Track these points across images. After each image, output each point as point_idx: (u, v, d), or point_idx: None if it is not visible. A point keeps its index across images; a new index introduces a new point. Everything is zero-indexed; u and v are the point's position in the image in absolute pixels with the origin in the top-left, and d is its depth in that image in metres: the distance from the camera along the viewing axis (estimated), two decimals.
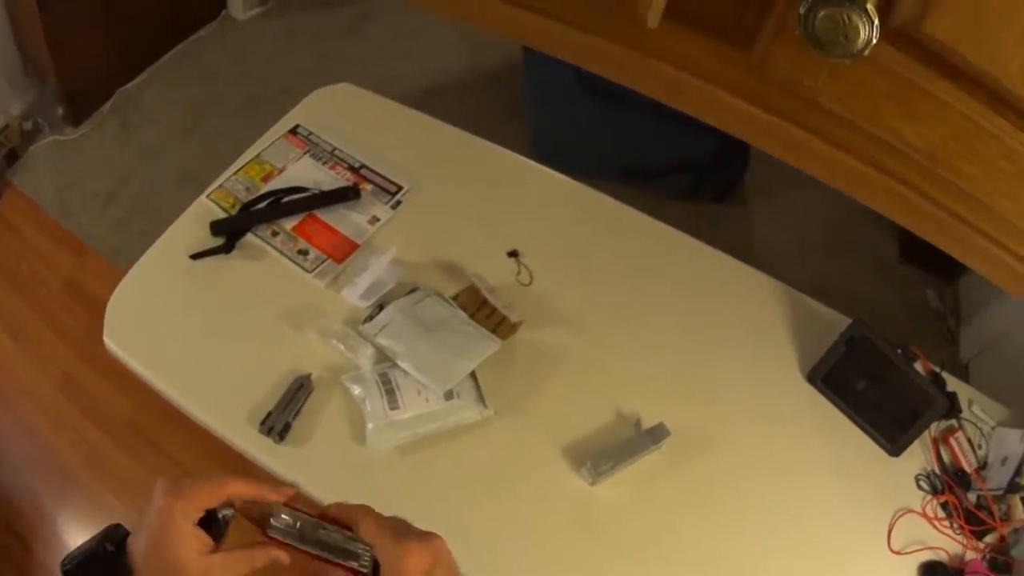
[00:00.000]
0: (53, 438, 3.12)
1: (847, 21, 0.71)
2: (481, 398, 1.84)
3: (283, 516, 1.00)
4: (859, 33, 0.72)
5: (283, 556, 0.99)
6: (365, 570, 0.99)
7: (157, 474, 1.00)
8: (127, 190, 3.79)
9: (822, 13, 0.72)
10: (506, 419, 1.85)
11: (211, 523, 0.98)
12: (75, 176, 3.85)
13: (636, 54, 0.84)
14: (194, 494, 0.95)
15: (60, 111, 3.90)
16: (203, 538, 0.94)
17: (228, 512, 1.00)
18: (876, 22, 0.71)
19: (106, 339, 1.87)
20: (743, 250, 2.85)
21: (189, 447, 3.01)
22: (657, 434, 1.83)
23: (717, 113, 0.88)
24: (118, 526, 0.98)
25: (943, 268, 3.94)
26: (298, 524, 1.01)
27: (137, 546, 0.93)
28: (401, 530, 0.97)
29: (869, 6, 0.71)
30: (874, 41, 0.73)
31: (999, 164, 0.82)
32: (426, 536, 0.97)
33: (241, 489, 0.99)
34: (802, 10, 0.73)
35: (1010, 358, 3.37)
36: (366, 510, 1.02)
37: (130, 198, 3.76)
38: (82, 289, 3.50)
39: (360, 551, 1.00)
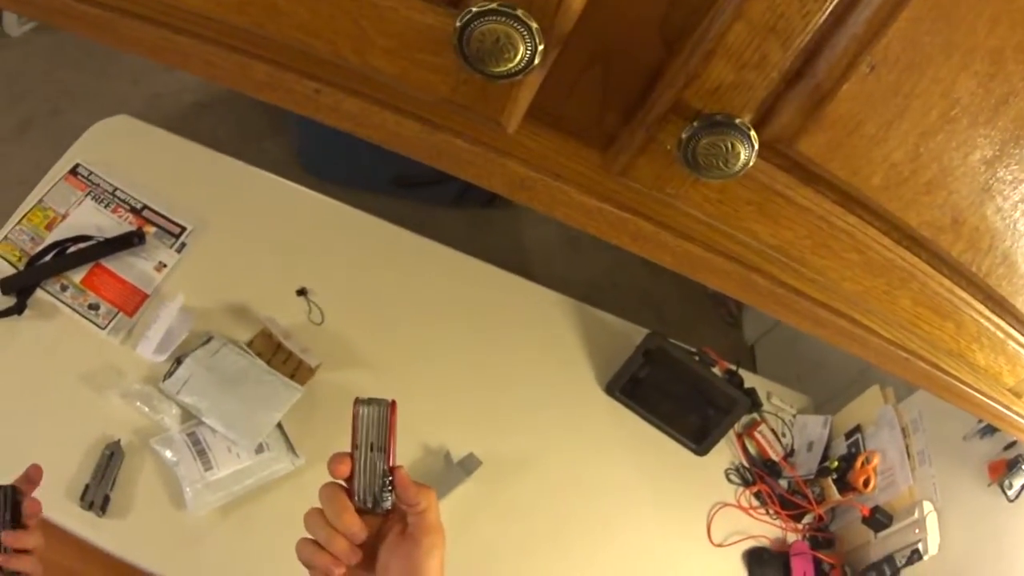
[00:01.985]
0: None
1: (730, 148, 0.73)
2: (291, 447, 1.90)
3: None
4: (739, 158, 0.73)
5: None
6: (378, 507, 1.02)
7: None
8: None
9: (706, 140, 0.73)
10: (318, 466, 1.81)
11: None
12: None
13: (485, 151, 0.84)
14: None
15: None
16: None
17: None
18: (756, 146, 0.73)
19: None
20: (516, 252, 2.95)
21: None
22: (468, 465, 1.94)
23: (564, 210, 0.89)
24: None
25: None
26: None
27: None
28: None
29: (752, 133, 0.73)
30: (751, 163, 0.74)
31: (848, 256, 0.90)
32: None
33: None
34: (684, 135, 0.74)
35: (792, 337, 3.63)
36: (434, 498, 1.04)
37: None
38: None
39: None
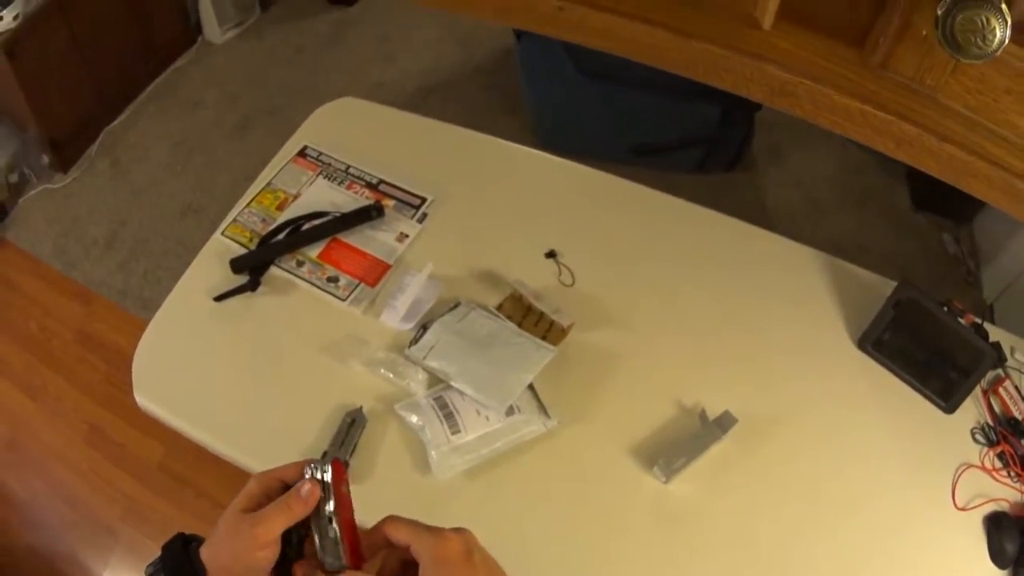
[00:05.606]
0: (89, 495, 3.17)
1: (985, 23, 0.73)
2: (543, 409, 1.87)
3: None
4: (996, 35, 0.73)
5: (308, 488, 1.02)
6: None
7: (197, 517, 1.08)
8: (126, 232, 3.86)
9: (961, 16, 0.74)
10: (570, 427, 1.89)
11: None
12: (71, 224, 3.90)
13: (741, 57, 0.85)
14: (273, 470, 1.04)
15: (46, 159, 3.96)
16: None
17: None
18: (1010, 22, 0.73)
19: (137, 397, 1.87)
20: (758, 215, 2.90)
21: (225, 483, 3.07)
22: (724, 423, 1.90)
23: (828, 115, 0.89)
24: (180, 534, 1.05)
25: (956, 211, 4.07)
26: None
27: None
28: (432, 526, 1.03)
29: (1004, 6, 0.73)
30: (1007, 42, 0.74)
31: None
32: (457, 528, 1.03)
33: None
34: (940, 12, 0.75)
35: None
36: (391, 517, 1.05)
37: (131, 239, 3.83)
38: (95, 338, 3.56)
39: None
